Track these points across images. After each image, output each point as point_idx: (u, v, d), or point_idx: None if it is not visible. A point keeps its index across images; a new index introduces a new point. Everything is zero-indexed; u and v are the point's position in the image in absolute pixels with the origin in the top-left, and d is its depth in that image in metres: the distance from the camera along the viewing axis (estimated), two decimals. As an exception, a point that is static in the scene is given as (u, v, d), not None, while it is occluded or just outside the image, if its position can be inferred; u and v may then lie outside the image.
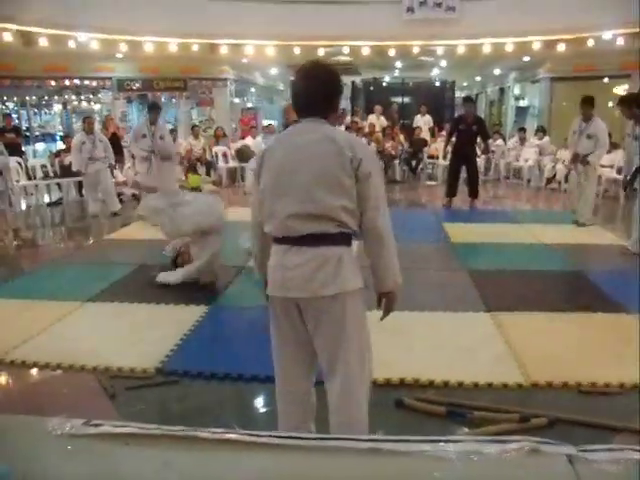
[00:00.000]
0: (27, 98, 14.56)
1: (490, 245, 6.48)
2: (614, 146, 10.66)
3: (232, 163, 12.24)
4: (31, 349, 3.64)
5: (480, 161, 12.09)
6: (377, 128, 12.68)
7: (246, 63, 13.46)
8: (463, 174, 9.12)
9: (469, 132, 8.74)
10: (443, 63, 14.58)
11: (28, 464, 1.18)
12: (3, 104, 14.90)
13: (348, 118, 13.10)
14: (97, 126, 13.94)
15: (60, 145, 12.64)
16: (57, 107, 15.87)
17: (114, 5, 9.86)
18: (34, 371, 3.41)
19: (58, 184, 10.20)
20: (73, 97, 15.08)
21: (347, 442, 1.24)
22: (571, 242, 6.58)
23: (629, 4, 9.15)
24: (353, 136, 2.23)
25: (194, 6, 10.30)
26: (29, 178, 9.81)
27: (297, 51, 11.44)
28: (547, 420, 2.71)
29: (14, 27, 9.54)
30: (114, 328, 4.08)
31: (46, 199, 9.99)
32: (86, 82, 14.19)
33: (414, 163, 12.69)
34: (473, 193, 8.97)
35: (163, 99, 14.85)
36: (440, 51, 12.26)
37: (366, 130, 12.33)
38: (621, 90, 13.24)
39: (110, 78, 13.94)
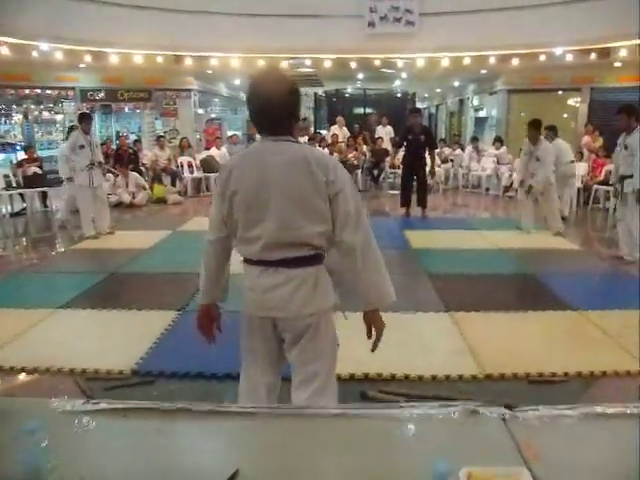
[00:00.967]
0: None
1: (448, 251, 6.80)
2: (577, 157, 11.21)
3: (197, 173, 12.36)
4: (6, 355, 3.72)
5: (440, 171, 12.62)
6: (340, 138, 12.99)
7: (210, 74, 13.64)
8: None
9: (417, 142, 9.05)
10: (404, 75, 15.01)
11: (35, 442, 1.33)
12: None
13: (311, 129, 13.38)
14: (61, 136, 14.02)
15: (22, 155, 12.51)
16: (17, 117, 15.65)
17: (79, 15, 9.87)
18: (10, 376, 3.49)
19: (21, 194, 10.13)
20: (33, 107, 14.90)
21: (319, 410, 1.47)
22: (525, 247, 6.95)
23: (578, 23, 9.73)
24: (323, 154, 2.17)
25: (160, 18, 10.41)
26: (-9, 188, 9.70)
27: (261, 63, 11.67)
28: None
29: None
30: (88, 333, 4.20)
31: (8, 209, 9.88)
32: (48, 92, 14.08)
33: (376, 173, 13.04)
34: (422, 203, 9.27)
35: (127, 109, 14.88)
36: (400, 64, 12.68)
37: (329, 141, 12.63)
38: (573, 102, 13.93)
39: (73, 88, 13.88)
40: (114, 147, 12.59)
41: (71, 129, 7.74)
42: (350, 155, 12.38)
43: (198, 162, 12.44)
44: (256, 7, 10.62)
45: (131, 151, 12.04)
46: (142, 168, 11.84)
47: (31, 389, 3.34)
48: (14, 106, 14.88)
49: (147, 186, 11.17)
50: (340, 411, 1.45)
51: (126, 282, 5.59)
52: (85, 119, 7.71)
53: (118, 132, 14.80)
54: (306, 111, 17.91)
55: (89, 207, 7.55)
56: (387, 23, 10.85)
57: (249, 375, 2.17)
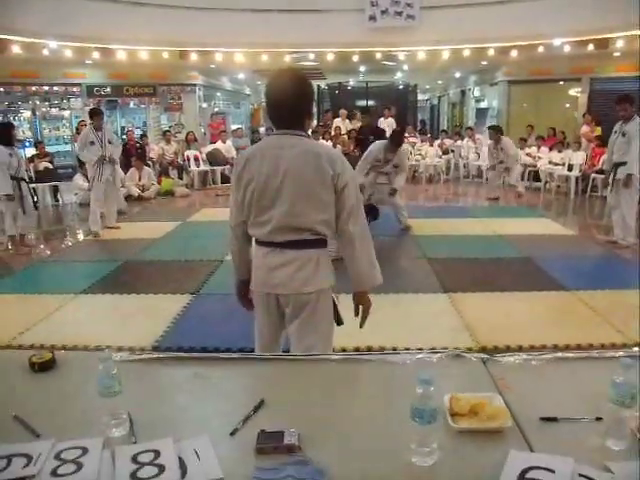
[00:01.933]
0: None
1: (448, 237, 7.08)
2: (564, 145, 11.46)
3: (203, 166, 12.62)
4: (35, 335, 4.01)
5: (442, 161, 12.88)
6: (343, 131, 13.22)
7: (214, 69, 13.89)
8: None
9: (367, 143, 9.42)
10: (405, 67, 15.22)
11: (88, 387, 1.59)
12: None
13: (314, 122, 13.60)
14: (69, 132, 14.29)
15: (32, 151, 12.81)
16: (25, 114, 15.93)
17: (85, 13, 10.12)
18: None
19: (33, 189, 10.39)
20: (39, 103, 15.17)
21: (325, 355, 1.76)
22: (523, 233, 7.19)
23: (576, 13, 9.93)
24: (331, 149, 2.36)
25: (165, 15, 10.66)
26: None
27: (265, 57, 11.95)
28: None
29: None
30: (109, 315, 4.49)
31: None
32: (55, 88, 14.35)
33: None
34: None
35: (133, 105, 15.14)
36: (402, 56, 12.91)
37: (332, 133, 12.87)
38: (574, 92, 14.12)
39: (80, 84, 14.15)
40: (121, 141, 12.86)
41: (94, 113, 7.79)
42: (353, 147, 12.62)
43: (204, 155, 12.70)
44: (259, 2, 10.86)
45: (138, 145, 12.32)
46: (149, 162, 12.11)
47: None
48: (22, 103, 15.15)
49: (155, 180, 11.45)
50: (344, 356, 1.73)
51: (140, 269, 5.86)
52: (96, 115, 7.75)
53: (123, 127, 15.08)
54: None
55: (98, 202, 7.67)
56: (388, 17, 11.08)
57: (259, 338, 2.44)
